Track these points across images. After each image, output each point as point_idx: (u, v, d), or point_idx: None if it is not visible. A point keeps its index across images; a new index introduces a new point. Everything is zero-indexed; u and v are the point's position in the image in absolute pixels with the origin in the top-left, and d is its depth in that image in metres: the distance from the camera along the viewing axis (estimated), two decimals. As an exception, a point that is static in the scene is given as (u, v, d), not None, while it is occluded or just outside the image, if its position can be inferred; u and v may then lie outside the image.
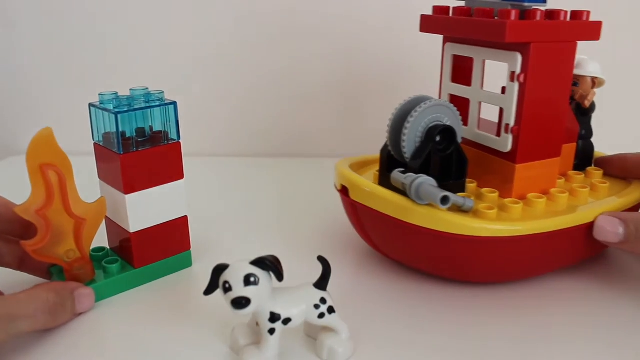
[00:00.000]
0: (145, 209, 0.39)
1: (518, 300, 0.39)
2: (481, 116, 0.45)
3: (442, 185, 0.39)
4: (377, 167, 0.43)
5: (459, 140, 0.40)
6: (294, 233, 0.49)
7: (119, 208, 0.39)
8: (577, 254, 0.42)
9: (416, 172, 0.37)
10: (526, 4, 0.38)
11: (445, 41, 0.44)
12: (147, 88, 0.40)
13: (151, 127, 0.39)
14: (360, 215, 0.40)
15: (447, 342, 0.35)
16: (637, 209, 0.43)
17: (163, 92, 0.40)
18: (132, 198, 0.38)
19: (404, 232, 0.37)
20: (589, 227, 0.39)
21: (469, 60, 0.42)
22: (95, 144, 0.39)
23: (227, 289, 0.29)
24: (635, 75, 0.70)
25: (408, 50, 0.68)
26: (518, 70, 0.38)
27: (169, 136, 0.40)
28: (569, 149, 0.45)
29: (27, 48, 0.70)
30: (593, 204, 0.41)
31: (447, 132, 0.39)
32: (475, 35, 0.39)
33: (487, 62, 0.41)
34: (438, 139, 0.39)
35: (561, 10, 0.39)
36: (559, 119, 0.41)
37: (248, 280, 0.29)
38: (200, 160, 0.61)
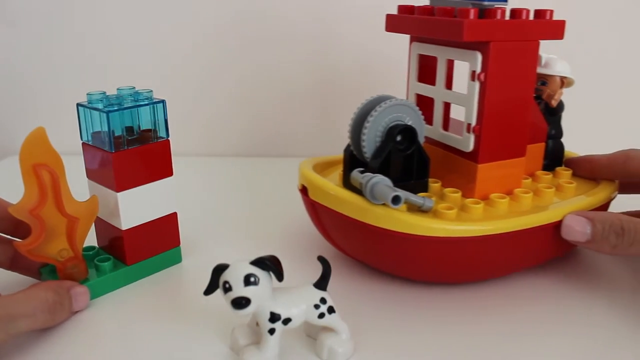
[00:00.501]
0: (136, 207, 0.40)
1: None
2: (453, 116, 0.45)
3: (403, 185, 0.39)
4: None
5: (421, 139, 0.40)
6: (277, 230, 0.49)
7: (111, 206, 0.39)
8: (541, 254, 0.41)
9: (376, 172, 0.37)
10: (486, 3, 0.37)
11: (411, 40, 0.44)
12: (134, 87, 0.41)
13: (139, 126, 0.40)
14: (320, 215, 0.40)
15: (426, 344, 0.35)
16: (604, 209, 0.43)
17: (152, 90, 0.40)
18: (124, 196, 0.39)
19: (362, 232, 0.37)
20: (553, 227, 0.39)
21: (434, 60, 0.42)
22: (83, 143, 0.40)
23: (227, 289, 0.29)
24: (609, 74, 0.69)
25: (389, 51, 0.68)
26: (478, 69, 0.38)
27: (158, 134, 0.40)
28: (537, 149, 0.45)
29: (25, 48, 0.70)
30: (557, 204, 0.40)
31: (408, 131, 0.39)
32: (437, 34, 0.39)
33: (459, 61, 0.41)
34: (399, 138, 0.39)
35: (523, 9, 0.38)
36: (522, 118, 0.40)
37: (248, 280, 0.29)
38: (185, 160, 0.61)
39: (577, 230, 0.38)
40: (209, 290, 0.30)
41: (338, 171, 0.44)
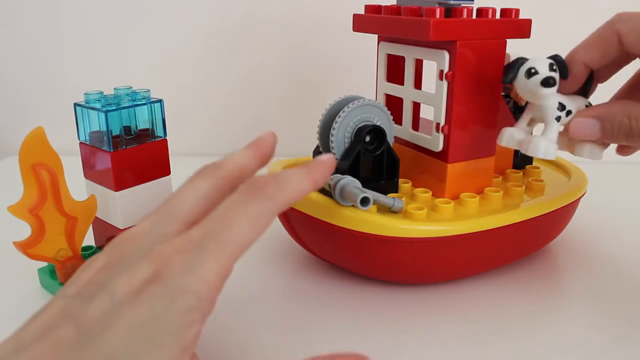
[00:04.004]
0: (134, 206, 0.40)
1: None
2: (423, 116, 0.45)
3: (373, 185, 0.38)
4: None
5: (390, 140, 0.39)
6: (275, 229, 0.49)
7: (109, 205, 0.40)
8: (513, 252, 0.41)
9: (345, 173, 0.37)
10: (452, 2, 0.37)
11: (379, 40, 0.43)
12: (131, 87, 0.41)
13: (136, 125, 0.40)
14: (290, 218, 0.40)
15: (425, 342, 0.35)
16: (575, 205, 0.43)
17: (149, 90, 0.40)
18: (122, 195, 0.39)
19: (332, 234, 0.37)
20: (524, 225, 0.39)
21: (403, 59, 0.42)
22: (81, 143, 0.40)
23: (533, 73, 0.34)
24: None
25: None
26: (446, 69, 0.38)
27: (156, 133, 0.41)
28: (507, 148, 0.45)
29: (24, 48, 0.70)
30: (528, 203, 0.41)
31: (377, 132, 0.38)
32: (404, 33, 0.39)
33: (427, 61, 0.41)
34: (367, 139, 0.38)
35: (490, 7, 0.38)
36: (491, 117, 0.40)
37: (552, 67, 0.35)
38: (181, 159, 0.61)
39: (586, 132, 0.35)
40: (507, 76, 0.36)
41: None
